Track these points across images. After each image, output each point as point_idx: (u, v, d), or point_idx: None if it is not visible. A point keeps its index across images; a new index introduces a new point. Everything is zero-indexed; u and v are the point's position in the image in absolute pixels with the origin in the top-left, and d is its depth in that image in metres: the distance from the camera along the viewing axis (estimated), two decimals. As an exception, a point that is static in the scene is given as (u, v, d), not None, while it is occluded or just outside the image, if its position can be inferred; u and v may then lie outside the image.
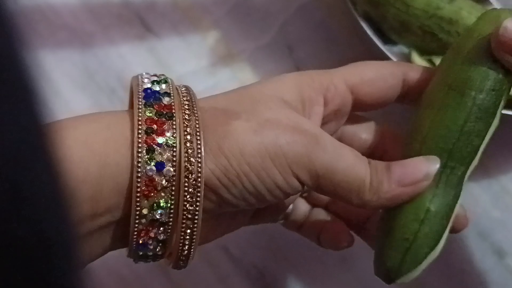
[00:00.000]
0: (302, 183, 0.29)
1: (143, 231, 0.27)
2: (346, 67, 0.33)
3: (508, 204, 0.42)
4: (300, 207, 0.36)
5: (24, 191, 0.16)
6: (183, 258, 0.29)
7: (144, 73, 0.29)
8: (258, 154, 0.27)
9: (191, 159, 0.27)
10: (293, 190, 0.29)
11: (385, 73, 0.33)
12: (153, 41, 0.46)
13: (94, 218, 0.27)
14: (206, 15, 0.46)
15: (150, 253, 0.28)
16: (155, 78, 0.29)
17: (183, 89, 0.29)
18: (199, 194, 0.27)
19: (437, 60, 0.37)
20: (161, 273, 0.40)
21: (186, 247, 0.28)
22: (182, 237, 0.28)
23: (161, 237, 0.28)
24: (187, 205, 0.27)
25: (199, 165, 0.27)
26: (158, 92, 0.28)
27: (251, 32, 0.46)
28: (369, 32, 0.39)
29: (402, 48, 0.41)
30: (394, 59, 0.39)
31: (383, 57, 0.39)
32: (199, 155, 0.27)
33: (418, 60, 0.39)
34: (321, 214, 0.36)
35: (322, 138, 0.29)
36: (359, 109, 0.33)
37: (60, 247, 0.17)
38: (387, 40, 0.40)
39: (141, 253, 0.28)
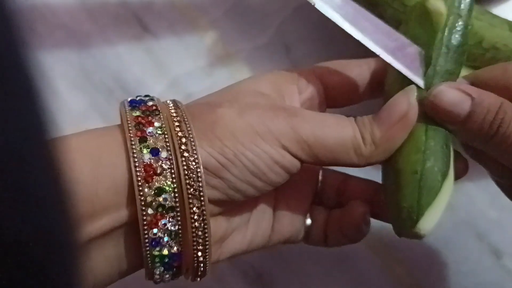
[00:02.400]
0: (296, 157, 0.30)
1: (152, 222, 0.27)
2: (316, 64, 0.35)
3: (505, 205, 0.42)
4: (318, 217, 0.35)
5: (25, 190, 0.16)
6: (201, 254, 0.28)
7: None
8: (247, 133, 0.29)
9: (183, 139, 0.28)
10: (290, 164, 0.30)
11: (351, 64, 0.34)
12: (150, 41, 0.45)
13: (92, 220, 0.26)
14: (204, 15, 0.46)
15: (165, 252, 0.28)
16: (139, 95, 0.31)
17: (168, 100, 0.31)
18: (199, 170, 0.27)
19: None
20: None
21: (200, 234, 0.28)
22: (193, 221, 0.27)
23: (172, 227, 0.27)
24: (189, 181, 0.27)
25: (193, 143, 0.28)
26: (142, 99, 0.30)
27: (248, 32, 0.46)
28: (367, 32, 0.39)
29: (399, 49, 0.41)
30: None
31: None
32: (191, 135, 0.28)
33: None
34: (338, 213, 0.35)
35: (301, 110, 0.31)
36: (334, 101, 0.35)
37: (61, 246, 0.17)
38: (384, 41, 0.40)
39: (156, 252, 0.27)
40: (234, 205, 0.31)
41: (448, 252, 0.42)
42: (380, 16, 0.39)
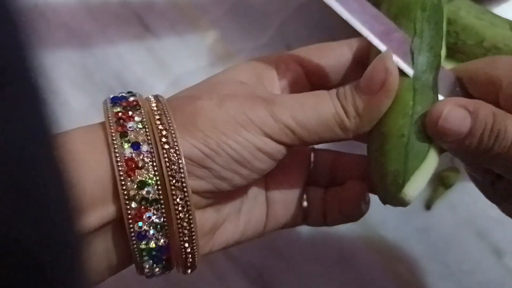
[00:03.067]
0: (281, 143, 0.30)
1: (136, 216, 0.27)
2: (295, 50, 0.35)
3: (506, 204, 0.42)
4: (314, 198, 0.35)
5: (28, 191, 0.16)
6: (188, 245, 0.28)
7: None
8: (228, 124, 0.29)
9: (164, 132, 0.28)
10: (274, 151, 0.30)
11: (332, 45, 0.34)
12: (151, 41, 0.46)
13: (79, 216, 0.26)
14: (205, 14, 0.46)
15: (153, 244, 0.28)
16: (121, 92, 0.31)
17: (150, 95, 0.31)
18: (180, 161, 0.27)
19: None
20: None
21: (185, 225, 0.28)
22: (177, 213, 0.27)
23: (156, 220, 0.27)
24: (171, 172, 0.27)
25: (173, 135, 0.28)
26: (124, 95, 0.30)
27: (249, 32, 0.46)
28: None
29: (400, 48, 0.41)
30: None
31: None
32: (171, 127, 0.28)
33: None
34: (336, 190, 0.35)
35: (278, 97, 0.31)
36: (317, 83, 0.34)
37: (64, 247, 0.17)
38: (385, 40, 0.40)
39: (143, 245, 0.28)
40: (223, 195, 0.31)
41: (449, 250, 0.42)
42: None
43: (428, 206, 0.42)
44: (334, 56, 0.34)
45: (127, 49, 0.45)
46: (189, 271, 0.30)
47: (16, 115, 0.16)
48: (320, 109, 0.30)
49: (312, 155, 0.36)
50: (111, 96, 0.30)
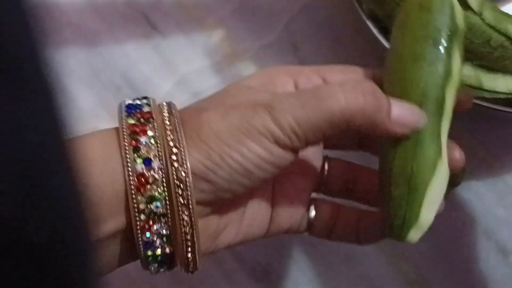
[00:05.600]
0: (288, 148, 0.29)
1: (145, 227, 0.28)
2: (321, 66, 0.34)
3: (513, 203, 0.42)
4: (323, 208, 0.35)
5: (40, 193, 0.16)
6: (190, 254, 0.29)
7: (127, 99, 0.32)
8: (232, 134, 0.29)
9: (174, 149, 0.29)
10: (279, 159, 0.29)
11: (358, 68, 0.34)
12: (158, 40, 0.46)
13: (98, 224, 0.28)
14: (211, 14, 0.46)
15: (159, 252, 0.29)
16: (136, 98, 0.32)
17: (163, 102, 0.31)
18: (188, 179, 0.28)
19: None
20: (166, 271, 0.41)
21: (189, 238, 0.29)
22: (182, 227, 0.29)
23: (164, 231, 0.29)
24: (179, 191, 0.28)
25: (183, 153, 0.28)
26: (139, 104, 0.31)
27: (255, 31, 0.46)
28: (374, 30, 0.39)
29: (406, 47, 0.41)
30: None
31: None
32: (182, 145, 0.29)
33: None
34: (351, 210, 0.35)
35: (278, 99, 0.30)
36: None
37: (75, 250, 0.17)
38: (392, 39, 0.40)
39: (150, 252, 0.29)
40: (226, 202, 0.31)
41: (455, 249, 0.42)
42: (388, 14, 0.39)
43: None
44: (359, 75, 0.33)
45: (133, 48, 0.46)
46: (191, 272, 0.31)
47: (28, 111, 0.16)
48: (324, 105, 0.29)
49: (326, 163, 0.35)
50: (126, 103, 0.31)
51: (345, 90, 0.29)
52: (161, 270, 0.31)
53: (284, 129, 0.29)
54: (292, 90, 0.33)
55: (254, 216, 0.33)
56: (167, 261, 0.30)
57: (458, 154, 0.32)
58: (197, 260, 0.30)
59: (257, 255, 0.42)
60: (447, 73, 0.30)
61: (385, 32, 0.40)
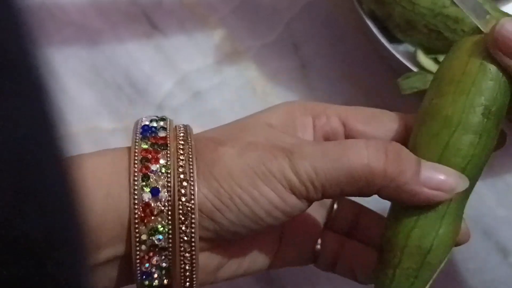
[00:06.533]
0: (302, 197, 0.28)
1: (145, 258, 0.28)
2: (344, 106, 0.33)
3: (513, 203, 0.42)
4: (329, 242, 0.34)
5: (29, 187, 0.16)
6: (188, 286, 0.29)
7: (145, 116, 0.31)
8: (246, 175, 0.28)
9: (184, 183, 0.27)
10: (291, 208, 0.28)
11: (385, 115, 0.32)
12: (159, 39, 0.46)
13: (98, 249, 0.27)
14: (212, 12, 0.46)
15: (156, 283, 0.28)
16: (154, 117, 0.30)
17: (181, 125, 0.30)
18: (193, 216, 0.27)
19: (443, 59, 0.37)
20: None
21: (188, 274, 0.28)
22: (182, 263, 0.28)
23: (163, 264, 0.28)
24: (183, 227, 0.27)
25: (192, 187, 0.27)
26: (155, 127, 0.30)
27: (257, 30, 0.46)
28: (375, 30, 0.39)
29: (407, 47, 0.41)
30: (399, 57, 0.39)
31: (389, 55, 0.39)
32: (192, 179, 0.27)
33: (424, 59, 0.39)
34: (355, 247, 0.34)
35: (299, 145, 0.29)
36: None
37: (66, 245, 0.17)
38: (392, 39, 0.40)
39: (147, 282, 0.28)
40: (231, 240, 0.30)
41: (456, 249, 0.42)
42: (389, 14, 0.39)
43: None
44: (383, 128, 0.31)
45: (135, 47, 0.46)
46: None
47: (22, 108, 0.16)
48: (350, 153, 0.28)
49: (336, 202, 0.34)
50: (143, 124, 0.30)
51: (369, 145, 0.28)
52: None
53: (301, 177, 0.27)
54: (311, 132, 0.31)
55: (259, 252, 0.32)
56: None
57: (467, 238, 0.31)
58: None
59: (257, 254, 0.42)
60: (491, 147, 0.29)
61: (385, 31, 0.40)
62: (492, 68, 0.28)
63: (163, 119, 0.30)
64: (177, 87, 0.45)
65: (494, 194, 0.42)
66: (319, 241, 0.34)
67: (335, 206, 0.34)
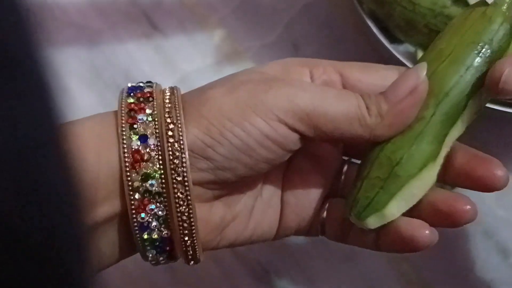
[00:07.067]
0: (294, 130, 0.28)
1: (140, 207, 0.28)
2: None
3: (513, 203, 0.42)
4: (336, 209, 0.33)
5: (30, 187, 0.16)
6: (188, 239, 0.28)
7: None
8: (237, 108, 0.28)
9: (171, 125, 0.28)
10: (285, 139, 0.28)
11: (378, 65, 0.32)
12: (159, 39, 0.46)
13: (95, 206, 0.27)
14: (212, 13, 0.46)
15: (155, 235, 0.28)
16: (141, 82, 0.31)
17: (168, 86, 0.30)
18: (183, 156, 0.27)
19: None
20: (166, 269, 0.41)
21: (186, 223, 0.28)
22: (178, 208, 0.28)
23: (160, 212, 0.28)
24: (174, 167, 0.27)
25: (179, 127, 0.27)
26: (141, 86, 0.30)
27: (256, 30, 0.46)
28: (375, 30, 0.39)
29: (408, 47, 0.41)
30: (400, 57, 0.39)
31: (389, 55, 0.39)
32: (179, 121, 0.28)
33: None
34: None
35: (298, 81, 0.29)
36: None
37: (67, 245, 0.17)
38: (393, 39, 0.40)
39: (146, 236, 0.28)
40: (233, 190, 0.30)
41: (455, 249, 0.42)
42: (389, 14, 0.39)
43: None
44: (379, 76, 0.31)
45: (135, 47, 0.46)
46: (192, 263, 0.30)
47: (23, 108, 0.16)
48: (342, 99, 0.29)
49: (345, 166, 0.34)
50: (129, 84, 0.30)
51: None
52: (161, 259, 0.29)
53: (297, 108, 0.28)
54: (308, 80, 0.31)
55: (263, 213, 0.32)
56: (165, 248, 0.29)
57: (468, 206, 0.30)
58: (196, 248, 0.29)
59: (257, 253, 0.42)
60: (478, 84, 0.29)
61: (385, 31, 0.40)
62: (493, 15, 0.30)
63: (149, 81, 0.31)
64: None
65: (494, 194, 0.42)
66: (326, 207, 0.33)
67: (345, 169, 0.33)
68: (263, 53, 0.45)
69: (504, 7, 0.30)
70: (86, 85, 0.45)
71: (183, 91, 0.42)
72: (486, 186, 0.30)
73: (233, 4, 0.46)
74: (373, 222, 0.30)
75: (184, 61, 0.45)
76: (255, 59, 0.45)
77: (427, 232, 0.30)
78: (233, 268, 0.42)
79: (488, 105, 0.37)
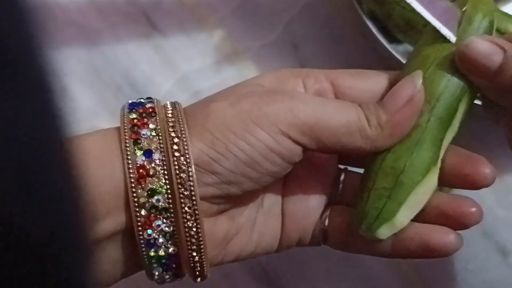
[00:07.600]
0: (297, 143, 0.28)
1: (146, 224, 0.27)
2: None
3: (513, 203, 0.42)
4: (337, 218, 0.33)
5: (40, 189, 0.16)
6: (196, 254, 0.28)
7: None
8: (240, 121, 0.28)
9: (175, 139, 0.27)
10: (289, 152, 0.28)
11: (369, 72, 0.32)
12: (159, 39, 0.46)
13: (96, 221, 0.27)
14: (212, 13, 0.46)
15: (162, 252, 0.28)
16: (141, 98, 0.31)
17: (169, 102, 0.30)
18: (190, 170, 0.27)
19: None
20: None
21: (194, 238, 0.27)
22: (186, 224, 0.27)
23: (166, 228, 0.27)
24: (181, 182, 0.27)
25: (185, 143, 0.27)
26: (142, 102, 0.30)
27: (256, 30, 0.46)
28: (374, 30, 0.39)
29: (407, 47, 0.41)
30: (399, 57, 0.39)
31: (388, 55, 0.39)
32: (183, 134, 0.28)
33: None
34: None
35: (299, 93, 0.30)
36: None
37: (68, 245, 0.17)
38: (392, 39, 0.40)
39: (152, 253, 0.28)
40: (235, 200, 0.30)
41: (455, 250, 0.42)
42: (388, 14, 0.39)
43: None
44: (370, 82, 0.32)
45: (135, 47, 0.46)
46: (199, 279, 0.29)
47: (24, 108, 0.16)
48: (342, 111, 0.29)
49: (342, 174, 0.34)
50: (130, 101, 0.30)
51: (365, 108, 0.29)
52: (167, 277, 0.29)
53: (299, 121, 0.28)
54: (302, 90, 0.32)
55: (266, 224, 0.32)
56: (172, 265, 0.28)
57: (472, 207, 0.31)
58: (204, 263, 0.28)
59: (257, 254, 0.42)
60: (466, 85, 0.30)
61: (385, 31, 0.40)
62: (472, 15, 0.30)
63: (149, 98, 0.30)
64: (177, 87, 0.45)
65: (494, 194, 0.42)
66: (327, 215, 0.33)
67: (342, 177, 0.34)
68: (263, 53, 0.45)
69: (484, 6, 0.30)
70: (85, 85, 0.45)
71: (183, 91, 0.42)
72: (475, 184, 0.31)
73: (233, 4, 0.46)
74: (384, 232, 0.30)
75: (183, 61, 0.45)
76: (255, 59, 0.45)
77: (452, 236, 0.31)
78: (233, 269, 0.42)
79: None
